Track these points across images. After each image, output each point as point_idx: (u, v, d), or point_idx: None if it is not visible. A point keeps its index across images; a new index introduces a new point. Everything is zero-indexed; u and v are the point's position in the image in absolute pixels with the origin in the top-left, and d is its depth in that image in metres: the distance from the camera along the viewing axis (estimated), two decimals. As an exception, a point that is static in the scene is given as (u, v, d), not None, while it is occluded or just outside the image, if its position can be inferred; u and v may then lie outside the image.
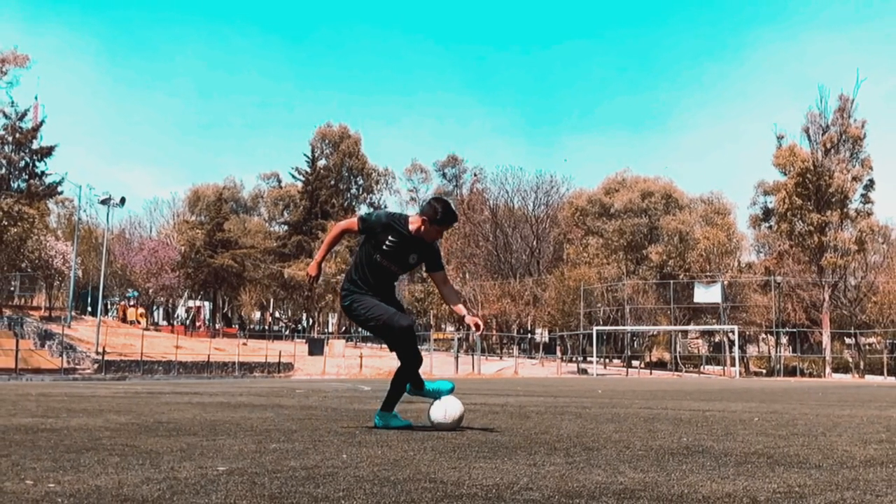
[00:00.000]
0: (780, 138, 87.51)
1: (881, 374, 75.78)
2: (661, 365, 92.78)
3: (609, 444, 6.62)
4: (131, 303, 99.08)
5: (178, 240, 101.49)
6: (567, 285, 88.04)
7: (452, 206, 8.27)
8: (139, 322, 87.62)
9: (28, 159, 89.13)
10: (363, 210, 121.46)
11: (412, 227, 8.02)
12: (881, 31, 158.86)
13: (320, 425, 8.40)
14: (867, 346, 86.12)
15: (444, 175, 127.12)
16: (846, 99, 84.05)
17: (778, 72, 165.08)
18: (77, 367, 54.95)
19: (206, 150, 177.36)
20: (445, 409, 7.94)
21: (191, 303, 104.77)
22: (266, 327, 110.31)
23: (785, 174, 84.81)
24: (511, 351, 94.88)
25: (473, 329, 8.48)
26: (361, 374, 64.24)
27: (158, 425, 8.20)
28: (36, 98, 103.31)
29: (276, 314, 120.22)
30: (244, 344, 79.29)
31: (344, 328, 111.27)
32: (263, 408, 11.80)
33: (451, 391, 8.36)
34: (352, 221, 8.35)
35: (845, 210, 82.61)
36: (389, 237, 7.97)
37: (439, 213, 7.95)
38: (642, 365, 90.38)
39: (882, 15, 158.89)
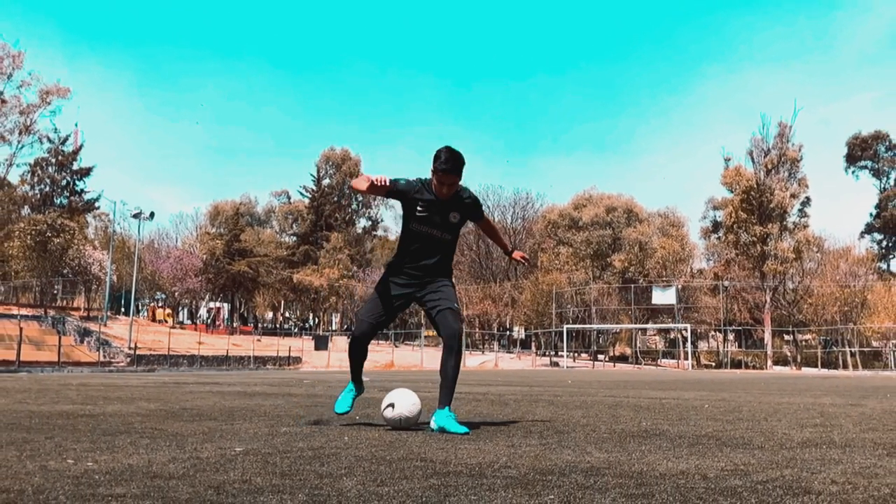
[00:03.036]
0: (727, 160, 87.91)
1: (815, 366, 76.16)
2: (623, 359, 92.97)
3: (578, 428, 6.62)
4: (159, 304, 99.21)
5: (201, 249, 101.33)
6: (541, 289, 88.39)
7: (452, 151, 6.60)
8: (166, 321, 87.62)
9: (69, 179, 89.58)
10: (362, 223, 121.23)
11: (434, 188, 6.71)
12: (814, 65, 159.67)
13: (325, 412, 8.37)
14: (803, 342, 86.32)
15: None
16: (785, 126, 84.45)
17: (725, 101, 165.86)
18: (112, 360, 54.85)
19: (225, 171, 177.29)
20: (394, 406, 6.51)
21: (211, 304, 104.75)
22: (277, 326, 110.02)
23: (732, 192, 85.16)
24: (492, 346, 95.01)
25: (520, 261, 7.63)
26: (361, 366, 63.96)
27: (183, 411, 8.18)
28: (76, 125, 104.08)
29: (287, 314, 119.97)
30: (258, 340, 79.17)
31: (346, 326, 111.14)
32: (275, 396, 11.78)
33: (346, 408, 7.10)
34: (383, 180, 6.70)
35: (784, 223, 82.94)
36: (419, 204, 6.72)
37: (438, 159, 6.51)
38: (607, 358, 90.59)
39: (814, 52, 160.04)
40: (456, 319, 6.70)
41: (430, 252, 6.87)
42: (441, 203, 6.71)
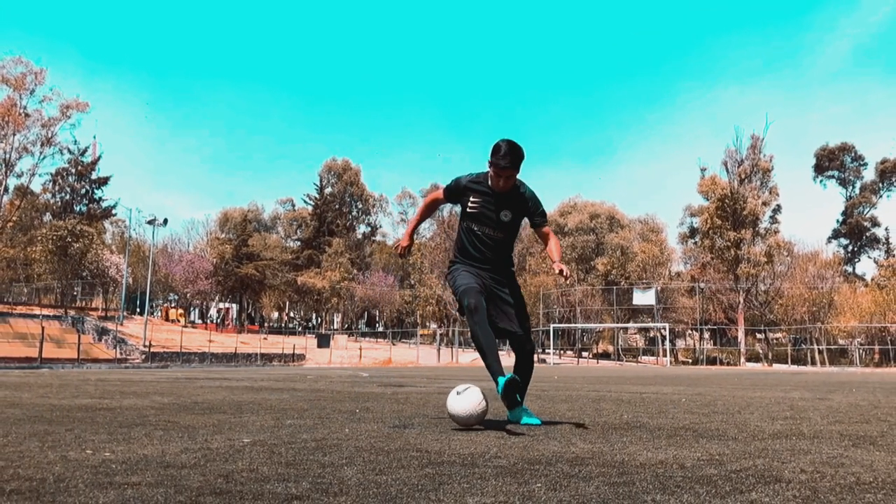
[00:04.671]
0: (703, 170, 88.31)
1: (786, 363, 76.27)
2: (605, 356, 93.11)
3: (563, 421, 6.62)
4: (172, 305, 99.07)
5: (211, 253, 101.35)
6: (529, 290, 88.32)
7: (511, 145, 6.01)
8: (179, 320, 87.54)
9: (88, 187, 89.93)
10: (361, 229, 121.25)
11: (490, 181, 6.12)
12: (785, 81, 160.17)
13: (327, 405, 8.36)
14: (774, 340, 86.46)
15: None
16: (757, 138, 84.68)
17: (701, 115, 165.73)
18: (128, 357, 54.81)
19: (234, 180, 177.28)
20: (460, 402, 5.72)
21: (221, 305, 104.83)
22: (283, 325, 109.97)
23: (707, 199, 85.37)
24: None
25: (559, 273, 6.26)
26: (361, 363, 64.09)
27: (195, 405, 8.17)
28: (94, 137, 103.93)
29: (291, 314, 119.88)
30: (265, 338, 79.19)
31: (346, 325, 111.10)
32: (280, 391, 11.77)
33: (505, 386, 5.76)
34: (437, 192, 6.52)
35: (757, 229, 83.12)
36: (471, 199, 6.18)
37: (498, 152, 5.92)
38: (591, 355, 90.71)
39: (785, 69, 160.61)
40: (529, 340, 6.44)
41: (487, 250, 6.33)
42: (497, 196, 6.16)
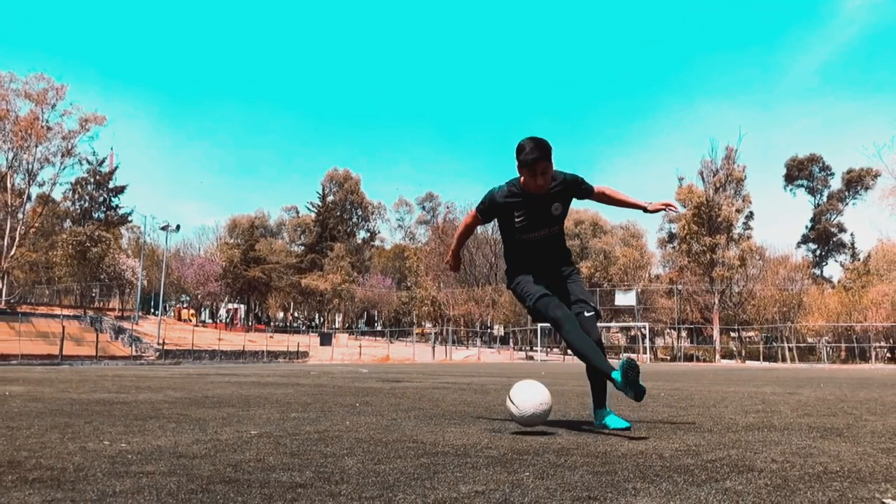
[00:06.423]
0: (680, 179, 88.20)
1: (758, 359, 76.27)
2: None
3: (550, 414, 6.62)
4: (184, 305, 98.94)
5: (220, 257, 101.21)
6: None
7: (534, 138, 5.19)
8: (190, 320, 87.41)
9: (105, 196, 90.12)
10: (361, 234, 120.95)
11: (526, 186, 5.26)
12: (757, 96, 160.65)
13: (329, 399, 8.36)
14: (747, 338, 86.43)
15: (423, 208, 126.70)
16: (731, 149, 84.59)
17: (679, 128, 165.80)
18: (143, 354, 54.71)
19: (242, 188, 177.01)
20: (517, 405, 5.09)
21: (230, 305, 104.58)
22: (287, 324, 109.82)
23: (684, 207, 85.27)
24: (475, 342, 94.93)
25: (664, 209, 5.65)
26: (361, 359, 63.99)
27: (205, 399, 8.16)
28: (111, 149, 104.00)
29: (296, 314, 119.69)
30: (271, 337, 79.05)
31: (347, 325, 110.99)
32: (285, 386, 11.75)
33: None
34: (472, 217, 5.61)
35: (731, 234, 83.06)
36: (515, 213, 5.34)
37: (523, 151, 5.13)
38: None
39: (757, 84, 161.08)
40: (595, 326, 5.35)
41: (543, 252, 5.55)
42: (538, 198, 5.30)
